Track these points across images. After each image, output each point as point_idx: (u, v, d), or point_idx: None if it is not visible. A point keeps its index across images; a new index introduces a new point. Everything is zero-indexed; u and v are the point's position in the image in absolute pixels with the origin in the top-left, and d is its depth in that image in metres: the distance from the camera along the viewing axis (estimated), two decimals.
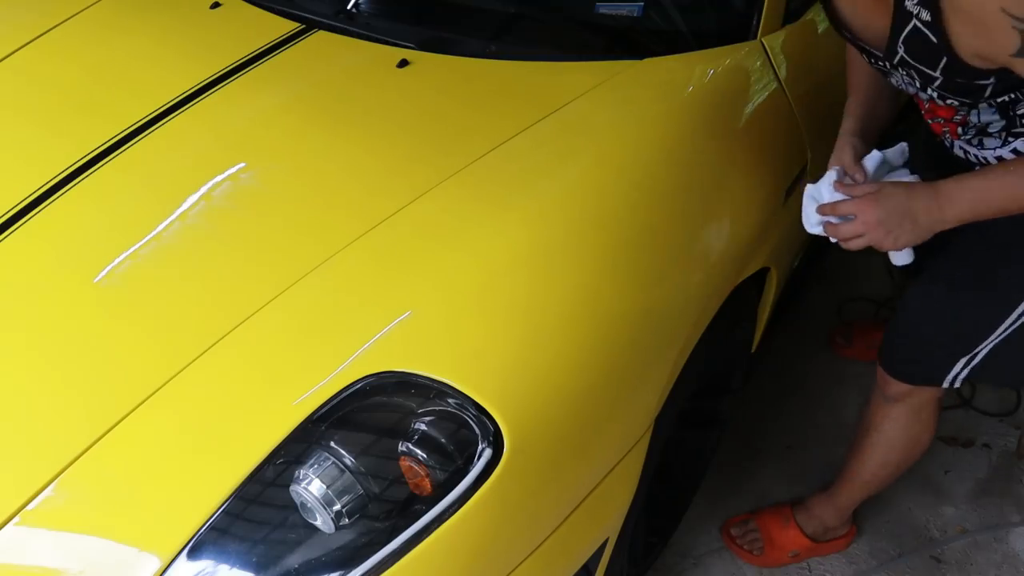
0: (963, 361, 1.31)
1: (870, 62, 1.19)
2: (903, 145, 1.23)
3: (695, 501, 1.75)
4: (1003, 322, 1.26)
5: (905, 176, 1.20)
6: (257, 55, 1.48)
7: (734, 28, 1.48)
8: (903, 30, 1.03)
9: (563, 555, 1.09)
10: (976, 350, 1.29)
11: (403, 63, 1.41)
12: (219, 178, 1.28)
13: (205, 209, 1.24)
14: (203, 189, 1.26)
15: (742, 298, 1.39)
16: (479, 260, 1.09)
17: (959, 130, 1.20)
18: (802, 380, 2.12)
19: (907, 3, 1.01)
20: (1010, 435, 2.00)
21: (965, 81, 1.05)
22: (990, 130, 1.16)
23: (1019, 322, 1.25)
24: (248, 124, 1.37)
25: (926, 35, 1.01)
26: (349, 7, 1.58)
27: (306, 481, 0.91)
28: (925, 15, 0.99)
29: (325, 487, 0.91)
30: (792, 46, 1.51)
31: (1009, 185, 1.06)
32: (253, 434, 0.96)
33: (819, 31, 1.63)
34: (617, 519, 1.16)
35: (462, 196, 1.19)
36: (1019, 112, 1.12)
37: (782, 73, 1.46)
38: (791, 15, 1.55)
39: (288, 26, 1.54)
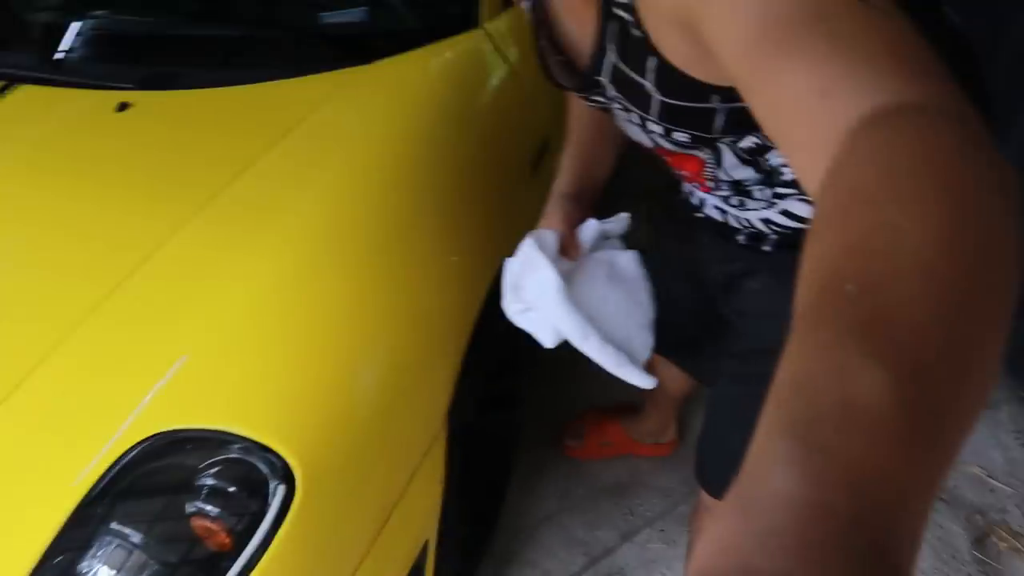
0: None
1: (587, 99, 0.94)
2: (624, 216, 1.07)
3: (513, 478, 1.79)
4: None
5: (618, 248, 1.04)
6: None
7: (457, 20, 1.51)
8: (604, 70, 0.84)
9: (387, 564, 1.09)
10: None
11: (123, 106, 1.33)
12: None
13: None
14: None
15: None
16: (245, 288, 1.05)
17: (711, 185, 0.99)
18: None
19: (614, 7, 0.78)
20: None
21: (685, 103, 0.80)
22: (748, 188, 0.96)
23: None
24: None
25: (629, 63, 0.80)
26: (54, 56, 1.47)
27: (92, 572, 0.85)
28: (615, 46, 0.80)
29: (115, 572, 0.86)
30: (516, 28, 1.57)
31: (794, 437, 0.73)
32: (28, 528, 0.88)
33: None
34: (432, 519, 1.18)
35: (215, 227, 1.13)
36: (773, 164, 0.90)
37: (511, 55, 1.51)
38: None
39: None
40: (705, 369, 1.38)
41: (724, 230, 1.07)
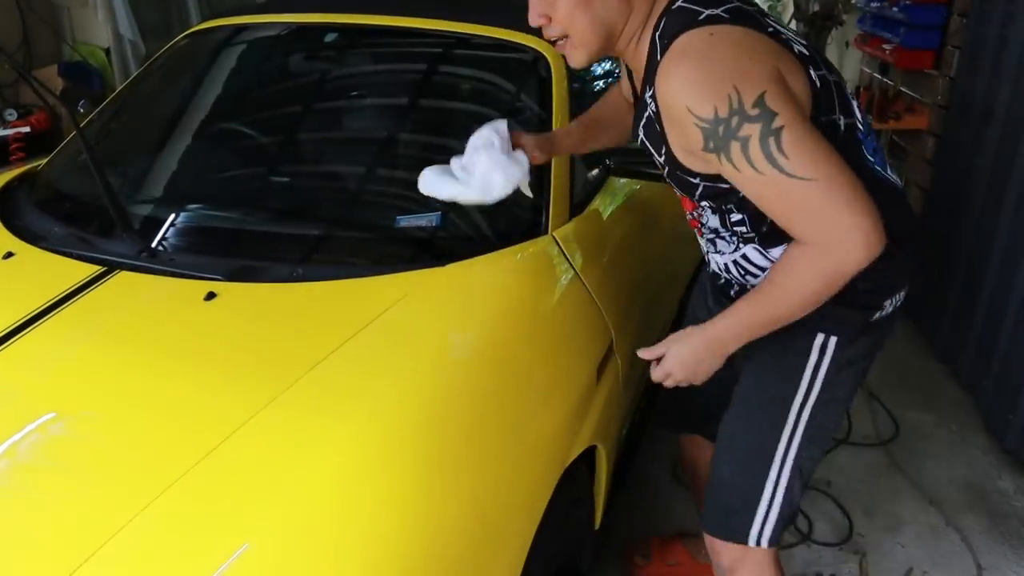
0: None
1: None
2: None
3: None
4: (775, 456, 1.37)
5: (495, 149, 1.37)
6: (56, 302, 1.44)
7: (527, 227, 1.60)
8: (642, 117, 1.25)
9: None
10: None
11: (210, 295, 1.41)
12: (26, 430, 1.20)
13: (9, 468, 1.15)
14: (5, 446, 1.17)
15: (574, 479, 1.42)
16: (310, 484, 1.06)
17: (699, 226, 1.39)
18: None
19: (646, 94, 1.21)
20: (851, 561, 2.10)
21: (681, 174, 1.24)
22: (721, 233, 1.34)
23: (787, 458, 1.38)
24: (52, 372, 1.30)
25: (654, 124, 1.22)
26: (152, 245, 1.58)
27: None
28: (653, 106, 1.19)
29: None
30: (581, 236, 1.65)
31: (760, 311, 1.22)
32: None
33: (603, 218, 1.80)
34: None
35: (290, 416, 1.16)
36: (733, 219, 1.29)
37: (576, 261, 1.58)
38: (576, 208, 1.71)
39: (88, 270, 1.52)
40: None
41: (715, 279, 1.48)
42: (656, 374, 1.34)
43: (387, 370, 1.25)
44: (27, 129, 4.45)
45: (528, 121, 1.85)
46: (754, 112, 1.06)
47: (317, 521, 1.01)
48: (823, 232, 1.10)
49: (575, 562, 1.61)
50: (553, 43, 1.27)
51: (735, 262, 1.37)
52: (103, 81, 4.94)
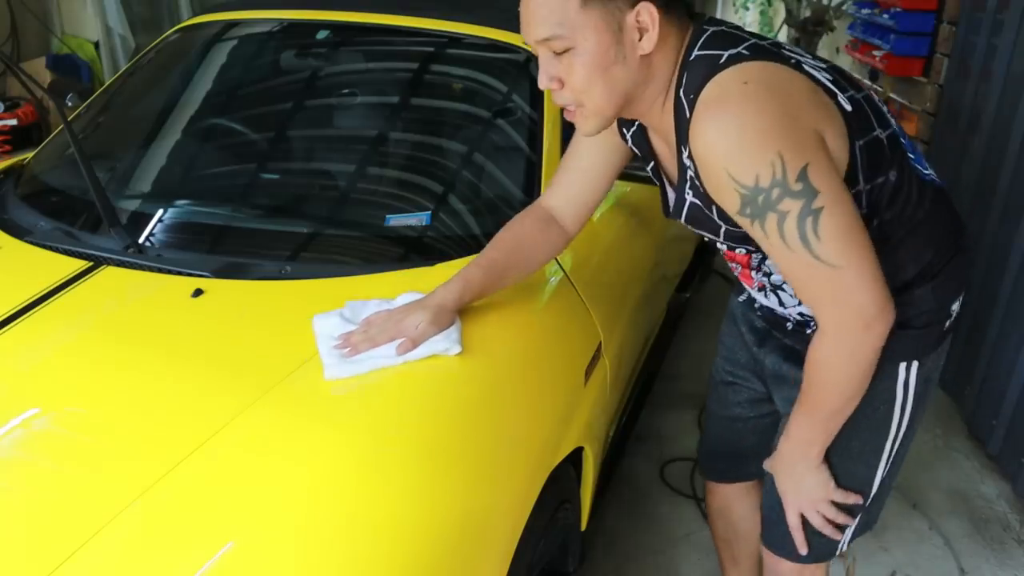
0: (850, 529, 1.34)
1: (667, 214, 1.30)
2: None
3: None
4: (872, 486, 1.31)
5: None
6: (42, 296, 1.43)
7: None
8: (685, 180, 1.15)
9: None
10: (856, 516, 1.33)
11: (197, 292, 1.40)
12: (10, 426, 1.19)
13: None
14: None
15: (561, 480, 1.42)
16: (294, 483, 1.05)
17: (753, 276, 1.29)
18: (637, 551, 2.15)
19: (683, 156, 1.13)
20: (837, 564, 2.09)
21: (738, 230, 1.14)
22: (783, 286, 1.26)
23: (880, 482, 1.32)
24: (37, 367, 1.29)
25: (697, 185, 1.13)
26: (140, 241, 1.57)
27: None
28: (692, 168, 1.11)
29: None
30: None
31: (815, 417, 1.21)
32: None
33: (593, 219, 1.79)
34: None
35: (276, 414, 1.16)
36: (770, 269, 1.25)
37: (565, 262, 1.58)
38: None
39: (74, 265, 1.51)
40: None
41: (771, 318, 1.39)
42: (792, 519, 1.31)
43: (374, 370, 1.25)
44: (14, 122, 4.42)
45: (519, 122, 1.85)
46: (797, 187, 1.01)
47: (302, 520, 1.00)
48: (838, 312, 1.08)
49: (561, 563, 1.61)
50: (562, 109, 1.17)
51: (801, 313, 1.29)
52: (92, 75, 4.92)
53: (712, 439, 1.61)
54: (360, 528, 1.01)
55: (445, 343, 1.23)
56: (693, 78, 1.08)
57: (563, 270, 1.56)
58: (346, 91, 2.09)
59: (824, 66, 1.14)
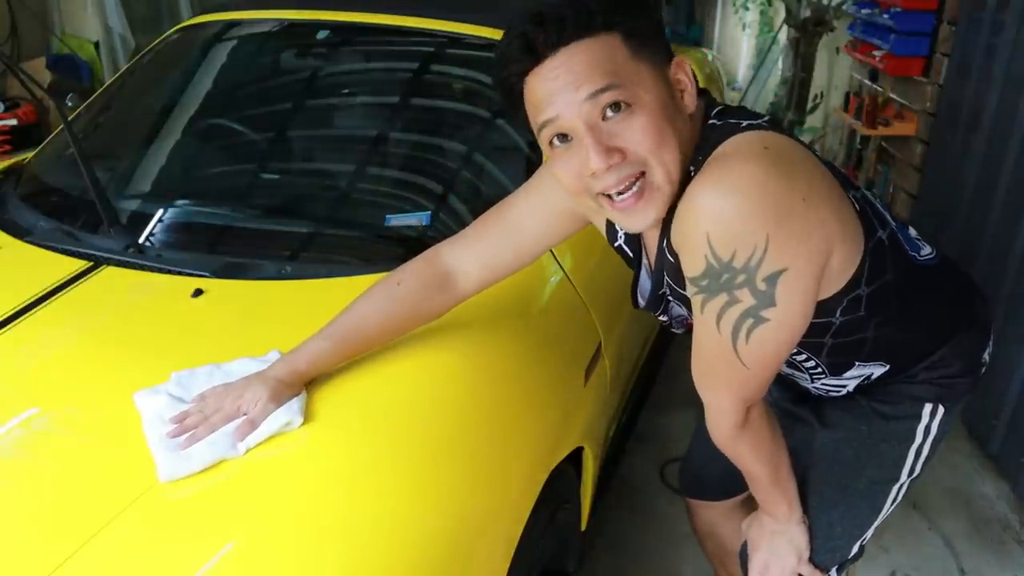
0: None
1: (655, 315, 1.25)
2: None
3: None
4: (875, 521, 1.30)
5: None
6: (42, 296, 1.43)
7: None
8: (662, 266, 1.08)
9: None
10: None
11: (197, 292, 1.41)
12: (9, 426, 1.19)
13: None
14: None
15: (561, 480, 1.42)
16: (293, 483, 1.05)
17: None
18: (638, 551, 2.15)
19: (663, 244, 1.04)
20: None
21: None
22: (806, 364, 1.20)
23: (884, 516, 1.31)
24: (37, 367, 1.30)
25: (673, 264, 1.04)
26: (140, 241, 1.57)
27: None
28: (671, 255, 1.04)
29: None
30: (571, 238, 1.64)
31: (759, 489, 1.23)
32: None
33: None
34: None
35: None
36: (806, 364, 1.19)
37: (564, 262, 1.58)
38: None
39: (74, 265, 1.51)
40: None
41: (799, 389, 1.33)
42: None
43: (373, 370, 1.25)
44: (14, 122, 4.42)
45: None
46: (761, 287, 0.92)
47: (300, 521, 1.01)
48: (724, 398, 1.07)
49: (561, 563, 1.61)
50: (610, 197, 0.96)
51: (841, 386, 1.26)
52: (92, 75, 4.91)
53: (698, 457, 1.61)
54: (360, 528, 1.01)
55: (287, 416, 1.11)
56: (703, 144, 0.98)
57: (563, 270, 1.56)
58: (346, 91, 2.09)
59: (830, 163, 1.07)
